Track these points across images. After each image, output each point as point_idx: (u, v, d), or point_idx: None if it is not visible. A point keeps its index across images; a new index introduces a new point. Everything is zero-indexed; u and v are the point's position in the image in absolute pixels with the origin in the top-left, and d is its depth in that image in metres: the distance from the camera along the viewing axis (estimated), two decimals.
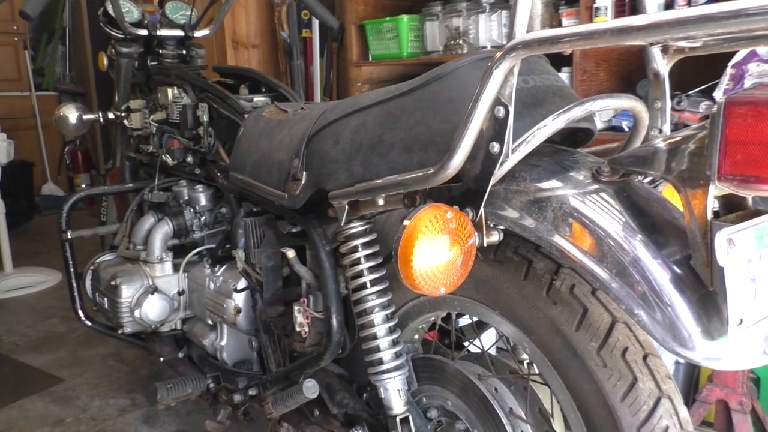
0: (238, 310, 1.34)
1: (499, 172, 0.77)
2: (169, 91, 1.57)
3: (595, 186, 0.81)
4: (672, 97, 1.66)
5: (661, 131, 0.93)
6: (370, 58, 2.73)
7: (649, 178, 0.90)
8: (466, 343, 1.27)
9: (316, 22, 3.05)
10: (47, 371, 2.23)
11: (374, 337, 1.01)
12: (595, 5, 1.93)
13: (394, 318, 1.04)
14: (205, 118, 1.46)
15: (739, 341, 0.69)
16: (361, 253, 1.01)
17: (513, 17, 0.71)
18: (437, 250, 0.72)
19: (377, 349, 1.01)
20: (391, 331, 1.02)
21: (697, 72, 1.91)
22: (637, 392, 0.79)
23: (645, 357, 0.82)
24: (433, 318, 1.15)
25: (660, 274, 0.73)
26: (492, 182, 0.76)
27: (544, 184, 0.82)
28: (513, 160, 0.77)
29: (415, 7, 2.62)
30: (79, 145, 5.01)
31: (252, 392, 1.33)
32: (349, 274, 1.03)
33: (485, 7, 2.28)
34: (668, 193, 0.88)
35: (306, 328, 1.11)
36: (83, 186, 4.40)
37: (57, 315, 2.77)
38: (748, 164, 0.62)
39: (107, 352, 2.37)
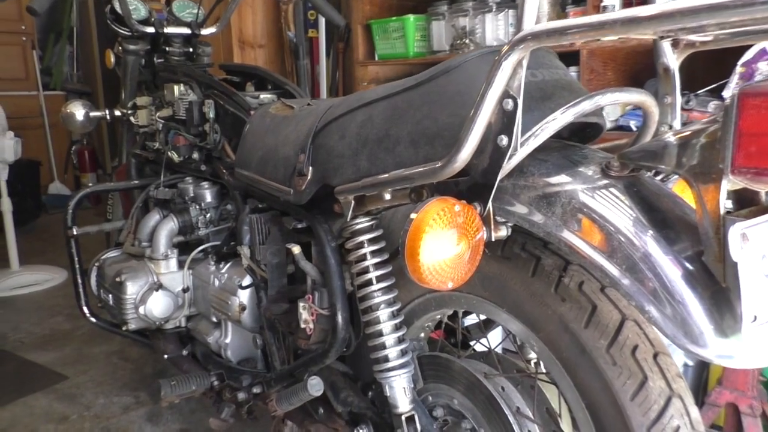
0: (243, 307, 1.33)
1: (508, 165, 0.76)
2: (176, 87, 1.57)
3: (605, 181, 0.80)
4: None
5: (671, 127, 0.91)
6: (377, 58, 2.72)
7: (661, 175, 0.89)
8: (472, 342, 1.25)
9: (322, 22, 3.05)
10: (52, 368, 2.23)
11: (380, 334, 1.00)
12: (602, 4, 1.92)
13: (400, 315, 1.03)
14: (211, 115, 1.45)
15: (753, 339, 0.67)
16: (367, 249, 1.01)
17: (521, 10, 0.70)
18: (445, 244, 0.71)
19: (383, 347, 1.00)
20: (397, 328, 1.01)
21: (706, 71, 1.89)
22: (648, 391, 0.78)
23: (655, 355, 0.80)
24: (439, 316, 1.14)
25: (671, 270, 0.72)
26: (500, 176, 0.75)
27: (553, 179, 0.81)
28: (521, 154, 0.76)
29: (421, 7, 2.61)
30: (85, 144, 5.03)
31: (256, 390, 1.32)
32: (355, 270, 1.02)
33: (492, 6, 2.27)
34: (678, 189, 0.87)
35: (311, 325, 1.10)
36: (90, 185, 4.42)
37: (63, 313, 2.78)
38: (762, 156, 0.61)
39: (112, 350, 2.37)
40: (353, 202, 0.96)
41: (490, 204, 0.77)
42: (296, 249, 1.12)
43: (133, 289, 1.49)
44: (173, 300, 1.51)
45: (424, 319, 1.10)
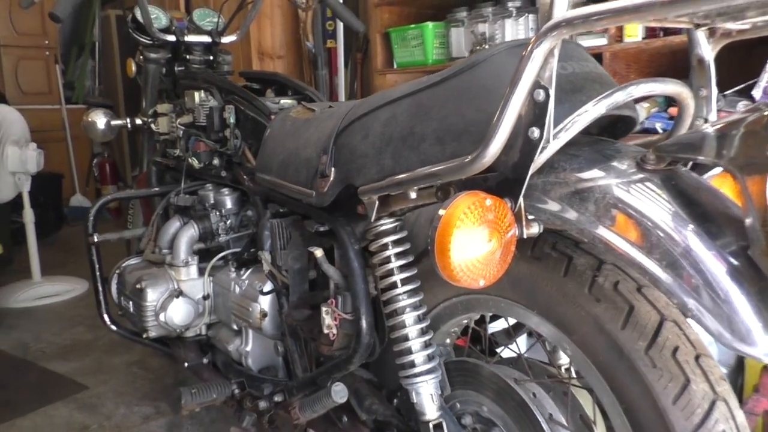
0: (264, 314, 1.31)
1: (539, 159, 0.73)
2: (196, 94, 1.56)
3: (640, 175, 0.77)
4: None
5: (706, 121, 0.88)
6: (395, 66, 2.72)
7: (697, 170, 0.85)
8: (499, 349, 1.22)
9: (340, 33, 3.05)
10: (72, 378, 2.23)
11: (405, 338, 0.97)
12: None
13: (426, 319, 1.00)
14: (232, 120, 1.45)
15: None
16: (391, 251, 0.98)
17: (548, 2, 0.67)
18: (476, 239, 0.68)
19: (409, 351, 0.97)
20: (423, 332, 0.98)
21: (734, 71, 1.85)
22: (690, 394, 0.74)
23: (697, 357, 0.76)
24: (465, 321, 1.11)
25: (715, 265, 0.69)
26: (531, 170, 0.72)
27: (585, 174, 0.78)
28: (553, 147, 0.73)
29: (440, 14, 2.60)
30: (107, 157, 5.10)
31: (277, 398, 1.29)
32: (379, 273, 1.00)
33: (511, 11, 2.25)
34: (717, 183, 0.84)
35: (334, 330, 1.08)
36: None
37: (84, 323, 2.79)
38: None
39: (132, 360, 2.36)
40: (377, 202, 0.94)
41: (521, 199, 0.74)
42: (319, 252, 1.10)
43: (153, 296, 1.48)
44: (194, 307, 1.50)
45: (451, 324, 1.06)
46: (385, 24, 2.67)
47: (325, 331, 1.09)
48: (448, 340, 1.11)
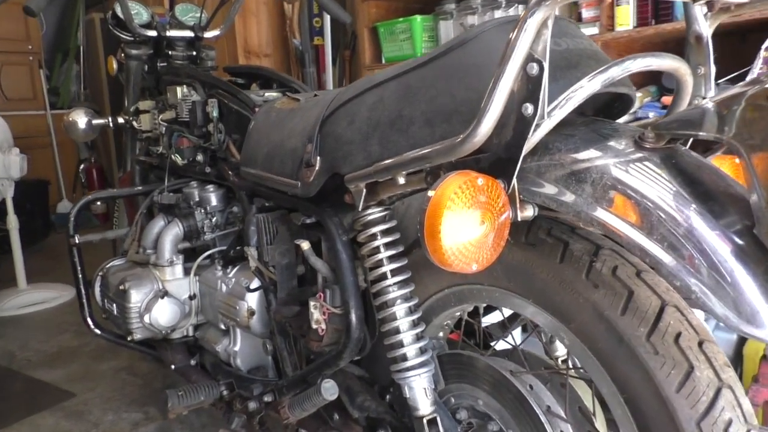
0: (252, 312, 1.27)
1: (533, 138, 0.70)
2: (179, 89, 1.52)
3: (639, 154, 0.74)
4: None
5: (704, 99, 0.85)
6: (384, 61, 2.68)
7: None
8: (493, 343, 1.18)
9: (328, 29, 3.01)
10: (59, 386, 2.18)
11: (397, 331, 0.93)
12: None
13: (418, 311, 0.96)
14: (215, 114, 1.41)
15: None
16: (380, 241, 0.94)
17: None
18: (468, 221, 0.64)
19: (400, 345, 0.93)
20: (414, 324, 0.95)
21: (727, 60, 1.83)
22: (695, 381, 0.70)
23: (701, 343, 0.73)
24: (459, 313, 1.07)
25: (719, 245, 0.66)
26: (526, 148, 0.69)
27: (582, 155, 0.75)
28: (547, 125, 0.70)
29: (428, 7, 2.57)
30: (94, 162, 5.02)
31: (267, 399, 1.25)
32: (368, 264, 0.96)
33: (501, 2, 2.22)
34: (717, 163, 0.81)
35: (323, 326, 1.04)
36: (98, 203, 4.40)
37: (70, 330, 2.73)
38: None
39: (120, 366, 2.31)
40: (365, 190, 0.90)
41: (515, 180, 0.70)
42: (305, 245, 1.06)
43: (137, 297, 1.43)
44: (179, 308, 1.46)
45: (443, 316, 1.03)
46: (373, 18, 2.64)
47: (314, 326, 1.05)
48: (441, 334, 1.07)
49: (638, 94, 1.97)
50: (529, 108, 0.67)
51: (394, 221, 0.97)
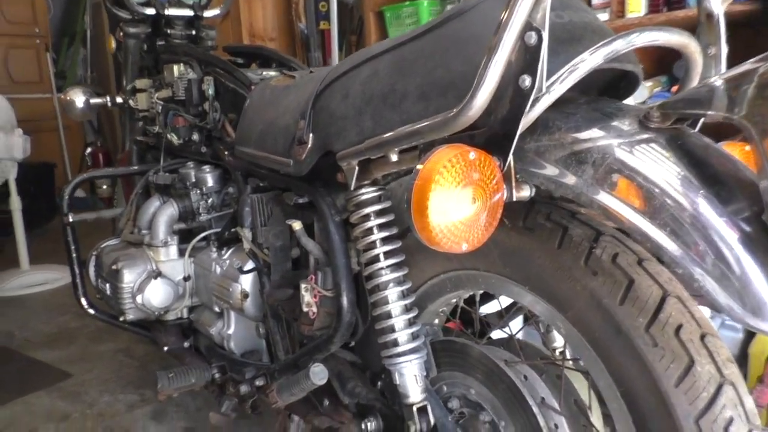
0: (245, 294, 1.24)
1: (531, 114, 0.66)
2: (176, 67, 1.49)
3: (644, 135, 0.70)
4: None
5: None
6: None
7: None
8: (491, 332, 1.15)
9: (334, 13, 2.96)
10: (57, 366, 2.17)
11: (388, 315, 0.90)
12: None
13: (411, 296, 0.93)
14: (211, 92, 1.37)
15: None
16: (373, 222, 0.91)
17: None
18: (458, 198, 0.61)
19: (392, 329, 0.90)
20: (407, 309, 0.91)
21: (741, 54, 1.78)
22: (695, 376, 0.67)
23: (702, 336, 0.69)
24: (455, 300, 1.04)
25: (726, 232, 0.62)
26: (523, 124, 0.65)
27: (583, 134, 0.71)
28: (546, 100, 0.66)
29: None
30: (100, 146, 5.01)
31: (259, 383, 1.23)
32: (361, 246, 0.92)
33: None
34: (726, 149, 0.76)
35: (314, 308, 1.01)
36: (104, 187, 4.39)
37: (71, 311, 2.72)
38: None
39: (118, 348, 2.30)
40: (357, 168, 0.86)
41: (510, 157, 0.66)
42: (297, 225, 1.03)
43: (130, 277, 1.41)
44: (173, 289, 1.43)
45: (439, 302, 1.00)
46: (379, 2, 2.59)
47: (305, 309, 1.02)
48: (436, 320, 1.04)
49: (648, 84, 1.92)
50: (526, 80, 0.63)
51: (388, 202, 0.93)
